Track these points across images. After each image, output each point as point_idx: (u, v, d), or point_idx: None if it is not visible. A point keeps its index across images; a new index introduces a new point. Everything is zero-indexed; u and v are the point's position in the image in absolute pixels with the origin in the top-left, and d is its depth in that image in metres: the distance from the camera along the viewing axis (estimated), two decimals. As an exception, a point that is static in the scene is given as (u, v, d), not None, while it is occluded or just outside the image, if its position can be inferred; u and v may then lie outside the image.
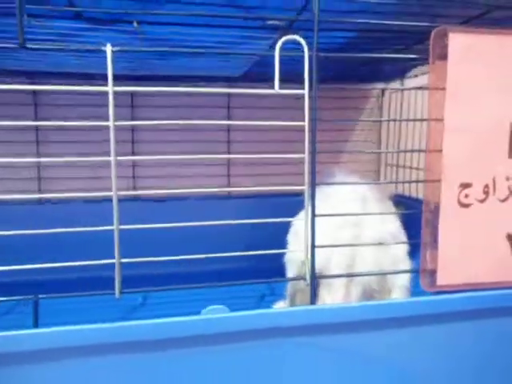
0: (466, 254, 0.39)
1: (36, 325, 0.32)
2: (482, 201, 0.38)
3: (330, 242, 0.45)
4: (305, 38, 0.38)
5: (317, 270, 0.36)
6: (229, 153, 1.01)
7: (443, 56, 0.36)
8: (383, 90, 1.08)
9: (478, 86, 0.37)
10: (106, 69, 0.30)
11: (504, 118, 0.37)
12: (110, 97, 0.31)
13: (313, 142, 0.33)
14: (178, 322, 0.30)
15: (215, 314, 0.30)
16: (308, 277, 0.36)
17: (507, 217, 0.39)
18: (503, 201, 0.38)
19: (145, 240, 0.65)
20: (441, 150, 0.37)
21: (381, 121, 1.07)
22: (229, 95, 1.00)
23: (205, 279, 0.40)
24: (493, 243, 0.39)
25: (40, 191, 0.94)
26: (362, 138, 1.11)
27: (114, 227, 0.32)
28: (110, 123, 0.31)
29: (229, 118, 1.00)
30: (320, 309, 0.33)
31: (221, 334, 0.31)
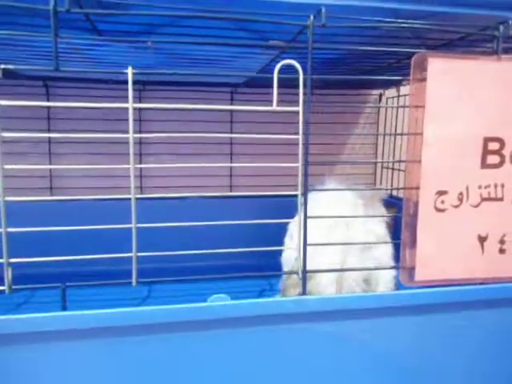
0: (441, 253, 0.43)
1: (65, 310, 0.37)
2: (456, 206, 0.43)
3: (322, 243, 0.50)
4: (301, 54, 0.43)
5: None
6: (231, 154, 1.06)
7: (423, 77, 0.41)
8: (380, 95, 1.13)
9: (455, 105, 0.41)
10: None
11: (477, 134, 0.42)
12: (130, 112, 0.36)
13: (305, 153, 0.38)
14: (187, 308, 0.35)
15: (219, 302, 0.35)
16: (300, 271, 0.41)
17: (478, 221, 0.43)
18: (475, 206, 0.43)
19: (151, 236, 0.70)
20: (420, 161, 0.41)
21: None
22: (231, 99, 1.05)
23: (206, 274, 0.44)
24: (465, 244, 0.44)
25: (51, 188, 1.00)
26: (360, 142, 1.15)
27: (132, 225, 0.37)
28: (130, 135, 0.36)
29: (231, 117, 1.05)
30: (310, 299, 0.38)
31: (223, 319, 0.36)
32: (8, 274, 0.35)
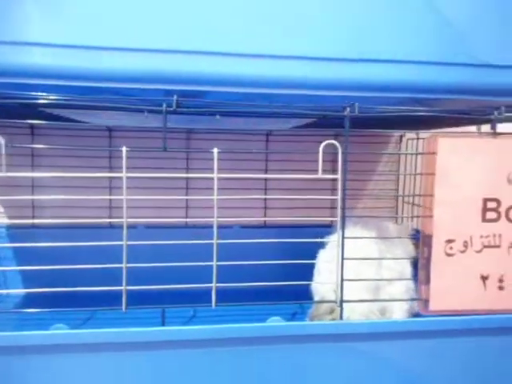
0: (450, 289, 0.54)
1: (164, 325, 0.49)
2: (462, 252, 0.54)
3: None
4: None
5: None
6: (266, 189, 1.19)
7: (434, 152, 0.53)
8: (401, 137, 1.24)
9: (459, 172, 0.53)
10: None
11: (478, 195, 0.54)
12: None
13: (343, 209, 0.50)
14: (257, 327, 0.47)
15: (281, 322, 0.47)
16: (338, 301, 0.53)
17: (481, 263, 0.54)
18: (478, 252, 0.54)
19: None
20: (432, 216, 0.53)
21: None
22: (267, 140, 1.18)
23: (244, 299, 0.54)
24: (470, 281, 0.55)
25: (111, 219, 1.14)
26: (383, 178, 1.27)
27: (213, 263, 0.50)
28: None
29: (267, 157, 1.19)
30: (348, 323, 0.50)
31: (288, 336, 0.48)
32: (125, 297, 0.48)
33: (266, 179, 1.17)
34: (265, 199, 1.19)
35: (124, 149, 0.48)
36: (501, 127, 0.57)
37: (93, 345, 0.44)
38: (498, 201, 0.54)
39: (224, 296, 0.52)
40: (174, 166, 1.11)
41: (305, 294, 0.71)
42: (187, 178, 1.13)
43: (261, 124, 0.78)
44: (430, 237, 0.53)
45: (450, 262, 0.54)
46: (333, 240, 0.69)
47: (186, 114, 0.61)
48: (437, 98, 0.55)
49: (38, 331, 0.42)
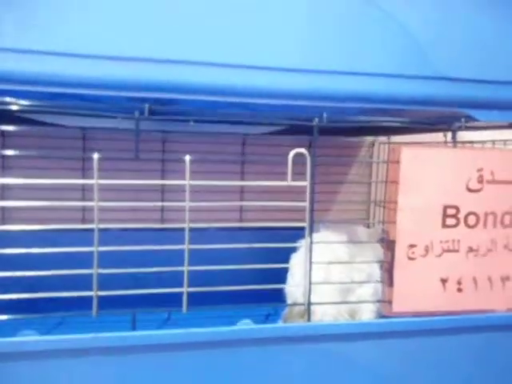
0: (412, 291, 0.57)
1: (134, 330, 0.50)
2: (423, 256, 0.57)
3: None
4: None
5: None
6: (242, 192, 1.20)
7: (397, 161, 0.56)
8: (374, 141, 1.28)
9: (421, 181, 0.56)
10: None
11: (438, 203, 0.57)
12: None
13: (311, 219, 0.52)
14: (226, 330, 0.49)
15: (250, 325, 0.49)
16: (306, 303, 0.55)
17: (441, 267, 0.57)
18: (438, 256, 0.57)
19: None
20: (395, 222, 0.56)
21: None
22: (243, 143, 1.20)
23: (220, 301, 0.56)
24: (431, 284, 0.57)
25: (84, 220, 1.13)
26: (356, 181, 1.30)
27: (184, 268, 0.51)
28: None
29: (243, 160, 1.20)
30: (314, 325, 0.52)
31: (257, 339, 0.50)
32: (95, 303, 0.49)
33: (241, 186, 1.18)
34: (240, 202, 1.20)
35: (96, 156, 0.48)
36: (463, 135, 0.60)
37: (61, 351, 0.44)
38: (457, 208, 0.57)
39: (202, 299, 0.53)
40: (149, 167, 1.11)
41: (280, 297, 0.73)
42: (160, 184, 1.13)
43: (234, 129, 0.79)
44: (393, 242, 0.56)
45: (411, 266, 0.57)
46: (305, 244, 0.71)
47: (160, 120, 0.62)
48: (401, 109, 0.58)
49: (4, 338, 0.42)
